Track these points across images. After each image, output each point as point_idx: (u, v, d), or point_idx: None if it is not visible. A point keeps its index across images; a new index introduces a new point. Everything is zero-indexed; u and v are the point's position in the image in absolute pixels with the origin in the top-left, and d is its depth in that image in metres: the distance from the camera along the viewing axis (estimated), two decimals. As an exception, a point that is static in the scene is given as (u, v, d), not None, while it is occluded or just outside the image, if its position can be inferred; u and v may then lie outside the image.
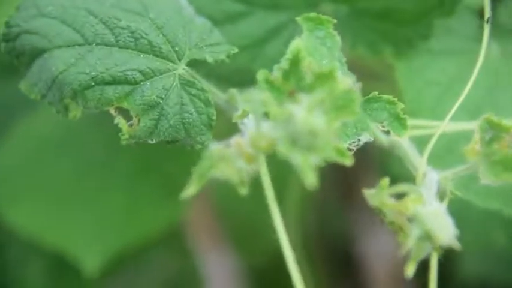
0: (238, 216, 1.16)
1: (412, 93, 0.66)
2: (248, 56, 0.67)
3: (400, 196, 0.53)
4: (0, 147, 1.04)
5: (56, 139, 1.01)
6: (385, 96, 0.57)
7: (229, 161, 0.48)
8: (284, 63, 0.50)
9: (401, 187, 0.50)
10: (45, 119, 1.03)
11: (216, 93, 0.61)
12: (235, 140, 0.49)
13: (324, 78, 0.50)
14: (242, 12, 0.67)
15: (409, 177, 0.61)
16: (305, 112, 0.46)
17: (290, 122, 0.46)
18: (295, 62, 0.50)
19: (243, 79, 0.68)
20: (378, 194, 0.49)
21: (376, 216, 0.54)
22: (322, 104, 0.47)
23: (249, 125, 0.52)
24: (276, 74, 0.51)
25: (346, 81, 0.50)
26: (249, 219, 1.16)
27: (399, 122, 0.56)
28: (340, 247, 1.20)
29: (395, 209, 0.49)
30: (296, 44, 0.49)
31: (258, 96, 0.50)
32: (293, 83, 0.50)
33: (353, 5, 0.66)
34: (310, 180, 0.44)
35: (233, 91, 0.61)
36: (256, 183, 0.60)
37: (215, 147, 0.49)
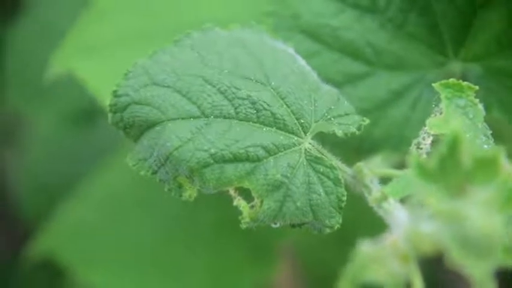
0: (322, 271, 1.11)
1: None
2: (370, 120, 0.62)
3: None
4: (74, 201, 1.01)
5: (133, 194, 0.97)
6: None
7: (383, 262, 0.44)
8: (441, 148, 0.45)
9: None
10: (120, 172, 0.99)
11: (340, 167, 0.56)
12: (389, 238, 0.44)
13: (487, 165, 0.45)
14: (363, 73, 0.62)
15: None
16: (480, 212, 0.41)
17: (459, 222, 0.42)
18: (453, 147, 0.45)
19: (362, 145, 0.64)
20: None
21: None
22: (493, 199, 0.42)
23: (396, 216, 0.47)
24: (430, 159, 0.46)
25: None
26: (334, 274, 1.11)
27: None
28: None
29: None
30: (456, 127, 0.44)
31: (412, 187, 0.45)
32: (450, 171, 0.45)
33: (487, 64, 0.62)
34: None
35: (360, 165, 0.56)
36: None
37: (367, 247, 0.44)
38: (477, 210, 0.41)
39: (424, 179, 0.46)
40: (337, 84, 0.62)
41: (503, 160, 0.44)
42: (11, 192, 1.28)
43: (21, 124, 1.26)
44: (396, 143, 0.63)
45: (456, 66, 0.62)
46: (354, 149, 0.63)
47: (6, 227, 1.29)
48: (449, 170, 0.46)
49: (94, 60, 0.78)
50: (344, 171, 0.56)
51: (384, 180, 0.58)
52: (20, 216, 1.22)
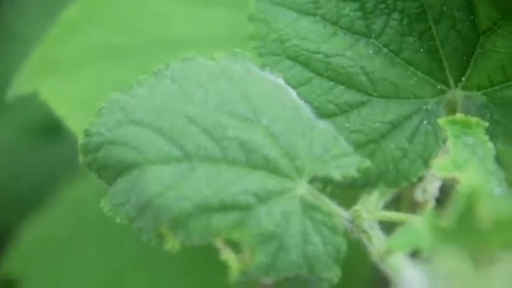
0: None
1: None
2: (364, 155, 0.57)
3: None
4: (38, 217, 0.94)
5: (99, 213, 0.91)
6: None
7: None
8: (458, 204, 0.40)
9: None
10: (93, 187, 0.93)
11: (336, 211, 0.51)
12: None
13: (507, 225, 0.40)
14: (357, 102, 0.57)
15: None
16: (505, 283, 0.36)
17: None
18: (470, 203, 0.40)
19: (356, 181, 0.58)
20: None
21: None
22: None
23: (407, 277, 0.42)
24: (446, 216, 0.41)
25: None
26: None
27: None
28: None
29: None
30: (470, 186, 0.39)
31: (423, 242, 0.40)
32: (468, 231, 0.40)
33: (491, 93, 0.56)
34: None
35: (359, 209, 0.51)
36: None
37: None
38: (501, 281, 0.36)
39: (439, 237, 0.41)
40: (329, 115, 0.57)
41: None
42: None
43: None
44: (392, 178, 0.57)
45: (457, 95, 0.57)
46: (347, 185, 0.57)
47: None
48: (467, 229, 0.41)
49: (61, 77, 0.72)
50: (341, 215, 0.51)
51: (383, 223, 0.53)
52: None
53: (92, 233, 0.91)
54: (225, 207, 0.47)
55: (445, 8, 0.55)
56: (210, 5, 0.75)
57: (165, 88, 0.50)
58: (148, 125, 0.48)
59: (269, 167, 0.48)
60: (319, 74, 0.57)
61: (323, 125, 0.51)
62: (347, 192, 0.56)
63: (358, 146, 0.57)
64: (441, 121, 0.51)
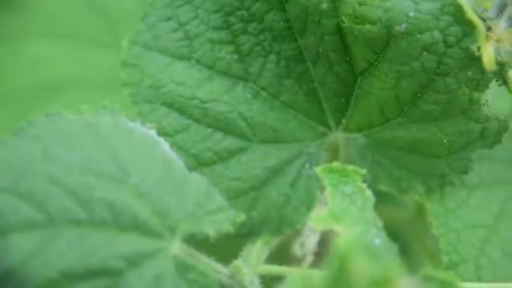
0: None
1: (449, 240, 0.55)
2: (246, 203, 0.55)
3: None
4: None
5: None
6: (441, 274, 0.46)
7: None
8: (331, 267, 0.39)
9: None
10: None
11: (214, 267, 0.49)
12: None
13: (380, 284, 0.39)
14: (236, 149, 0.56)
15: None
16: None
17: None
18: (343, 265, 0.39)
19: (240, 231, 0.56)
20: None
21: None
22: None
23: None
24: (320, 278, 0.39)
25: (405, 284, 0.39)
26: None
27: (462, 310, 0.45)
28: None
29: None
30: (344, 245, 0.38)
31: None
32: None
33: (372, 134, 0.56)
34: None
35: (238, 265, 0.49)
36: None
37: None
38: None
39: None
40: (208, 163, 0.55)
41: (398, 280, 0.38)
42: None
43: None
44: (276, 226, 0.56)
45: (338, 137, 0.56)
46: (232, 234, 0.56)
47: None
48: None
49: None
50: (219, 272, 0.49)
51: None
52: None
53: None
54: (92, 274, 0.45)
55: (320, 49, 0.54)
56: (90, 47, 0.73)
57: (27, 148, 0.47)
58: (7, 190, 0.45)
59: (139, 227, 0.46)
60: (196, 120, 0.55)
61: (196, 178, 0.49)
62: (232, 241, 0.55)
63: (240, 194, 0.56)
64: (318, 170, 0.49)
